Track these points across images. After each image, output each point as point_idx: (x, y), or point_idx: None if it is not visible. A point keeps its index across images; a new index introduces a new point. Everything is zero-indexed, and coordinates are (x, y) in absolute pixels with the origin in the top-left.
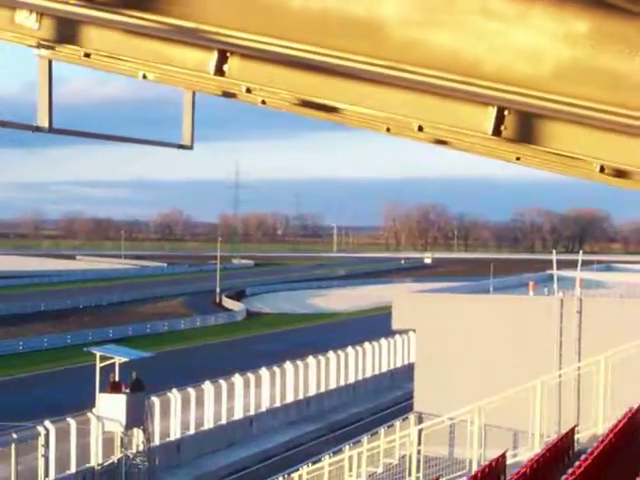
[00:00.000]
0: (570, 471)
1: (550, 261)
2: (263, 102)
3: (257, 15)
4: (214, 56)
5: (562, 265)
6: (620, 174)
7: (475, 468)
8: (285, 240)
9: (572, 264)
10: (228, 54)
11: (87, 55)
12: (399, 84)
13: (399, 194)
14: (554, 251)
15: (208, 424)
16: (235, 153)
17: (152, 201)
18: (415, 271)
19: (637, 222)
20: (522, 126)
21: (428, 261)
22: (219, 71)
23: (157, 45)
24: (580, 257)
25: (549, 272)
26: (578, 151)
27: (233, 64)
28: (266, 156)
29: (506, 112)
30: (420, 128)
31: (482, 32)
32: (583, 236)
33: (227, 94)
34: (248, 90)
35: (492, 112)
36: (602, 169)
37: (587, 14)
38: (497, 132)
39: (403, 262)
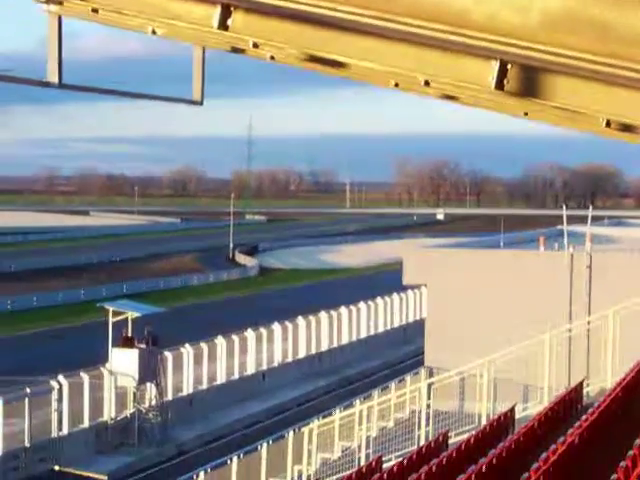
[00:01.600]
0: (577, 424)
1: (561, 216)
2: (272, 57)
3: None
4: (218, 10)
5: (573, 220)
6: (626, 128)
7: (484, 422)
8: (298, 196)
9: (583, 219)
10: (232, 8)
11: (95, 10)
12: (401, 38)
13: (412, 150)
14: (564, 206)
15: (221, 379)
16: (248, 110)
17: (165, 157)
18: (427, 227)
19: None
20: (525, 80)
21: (440, 217)
22: (223, 25)
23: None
24: (590, 212)
25: (560, 227)
26: (581, 105)
27: (237, 18)
28: (279, 113)
29: (509, 66)
30: (427, 83)
31: None
32: (595, 192)
33: (236, 49)
34: (255, 45)
35: (495, 66)
36: (608, 123)
37: None
38: (500, 86)
39: (415, 218)
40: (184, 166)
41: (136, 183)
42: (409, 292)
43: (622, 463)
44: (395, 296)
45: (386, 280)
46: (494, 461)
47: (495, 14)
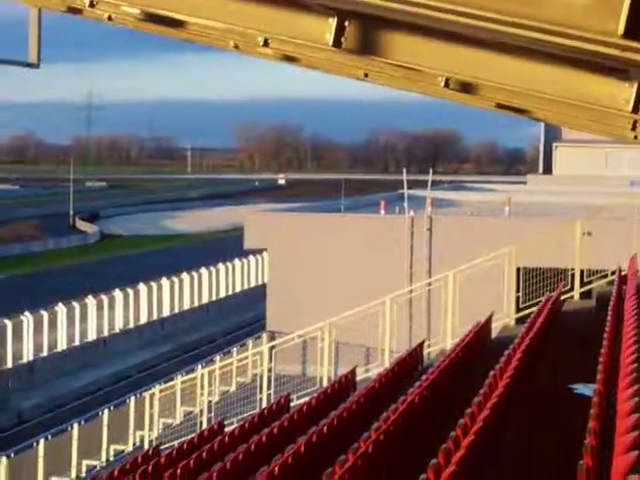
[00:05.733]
0: (417, 384)
1: (402, 181)
2: (109, 18)
3: None
4: None
5: (415, 185)
6: (465, 89)
7: (326, 385)
8: (139, 162)
9: (425, 184)
10: None
11: None
12: None
13: (253, 115)
14: (404, 170)
15: (62, 346)
16: (88, 75)
17: (3, 123)
18: (269, 192)
19: (488, 142)
20: (362, 37)
21: (282, 182)
22: None
23: None
24: (430, 177)
25: (400, 191)
26: (420, 62)
27: None
28: (120, 78)
29: (347, 23)
30: (265, 43)
31: None
32: (436, 156)
33: (72, 9)
34: (92, 4)
35: (332, 23)
36: (447, 84)
37: None
38: (338, 43)
39: (257, 183)
40: (23, 132)
41: None
42: (250, 257)
43: (461, 420)
44: (237, 261)
45: (228, 246)
46: (335, 422)
47: None
